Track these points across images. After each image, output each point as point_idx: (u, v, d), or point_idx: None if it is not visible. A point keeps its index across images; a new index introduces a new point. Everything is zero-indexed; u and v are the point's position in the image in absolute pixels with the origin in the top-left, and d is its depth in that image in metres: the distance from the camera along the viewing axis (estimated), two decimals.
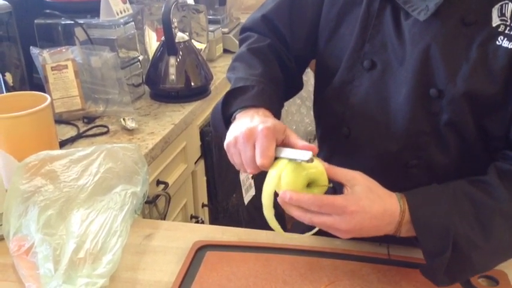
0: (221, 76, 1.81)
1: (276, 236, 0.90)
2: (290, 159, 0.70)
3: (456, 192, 0.72)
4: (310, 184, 0.72)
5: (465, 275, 0.73)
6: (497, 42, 0.73)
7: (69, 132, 1.34)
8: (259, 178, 2.42)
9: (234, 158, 0.77)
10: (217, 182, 1.80)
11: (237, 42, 2.09)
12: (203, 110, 1.64)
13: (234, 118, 0.81)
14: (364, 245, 0.86)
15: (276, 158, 0.72)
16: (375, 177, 0.85)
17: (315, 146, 0.71)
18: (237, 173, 2.07)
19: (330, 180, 0.73)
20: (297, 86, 1.01)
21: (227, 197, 1.92)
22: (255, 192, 2.16)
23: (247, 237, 0.91)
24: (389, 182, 0.84)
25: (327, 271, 0.80)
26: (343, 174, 0.72)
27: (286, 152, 0.71)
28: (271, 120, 0.74)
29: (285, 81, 0.93)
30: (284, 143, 0.74)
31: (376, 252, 0.85)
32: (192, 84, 1.56)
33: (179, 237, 0.91)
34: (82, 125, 1.38)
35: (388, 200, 0.71)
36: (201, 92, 1.59)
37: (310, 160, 0.68)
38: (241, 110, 0.80)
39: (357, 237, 0.73)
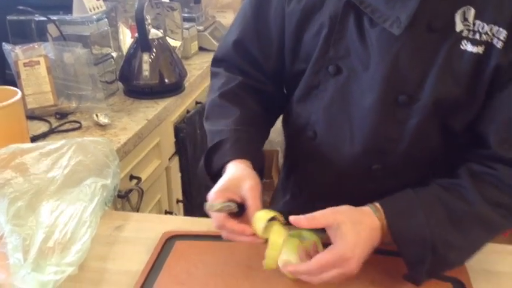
0: (196, 73, 1.83)
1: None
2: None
3: (431, 199, 0.74)
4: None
5: (442, 271, 0.77)
6: (461, 47, 0.75)
7: (41, 128, 1.35)
8: None
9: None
10: (191, 178, 1.82)
11: (213, 40, 2.13)
12: (177, 106, 1.65)
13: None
14: None
15: None
16: (341, 180, 0.88)
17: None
18: None
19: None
20: (282, 104, 0.99)
21: (202, 193, 1.94)
22: None
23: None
24: (354, 184, 0.87)
25: None
26: (324, 219, 0.73)
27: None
28: (223, 183, 0.78)
29: (266, 109, 0.94)
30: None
31: None
32: (166, 80, 1.57)
33: (149, 228, 0.93)
34: (54, 121, 1.38)
35: (369, 222, 0.73)
36: (175, 89, 1.61)
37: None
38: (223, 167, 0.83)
39: None
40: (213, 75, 0.98)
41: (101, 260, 0.85)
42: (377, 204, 0.74)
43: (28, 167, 0.90)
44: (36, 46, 1.40)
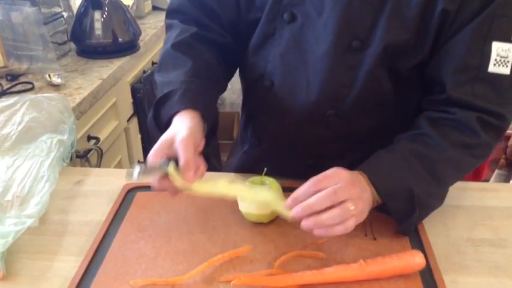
0: (150, 32, 1.80)
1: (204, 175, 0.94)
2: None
3: (404, 154, 0.77)
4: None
5: (426, 215, 0.80)
6: None
7: None
8: None
9: None
10: (151, 139, 1.81)
11: None
12: (133, 66, 1.63)
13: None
14: (287, 179, 0.92)
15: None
16: (297, 128, 0.90)
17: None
18: None
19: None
20: (239, 57, 0.97)
21: None
22: None
23: None
24: (310, 130, 0.89)
25: None
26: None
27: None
28: (164, 137, 0.75)
29: (223, 61, 0.92)
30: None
31: (297, 182, 0.90)
32: (120, 39, 1.54)
33: (110, 181, 0.93)
34: (5, 83, 1.34)
35: (355, 176, 0.73)
36: (129, 48, 1.58)
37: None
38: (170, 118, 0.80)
39: None
40: (168, 27, 0.96)
41: (63, 212, 0.85)
42: (355, 171, 0.74)
43: None
44: None
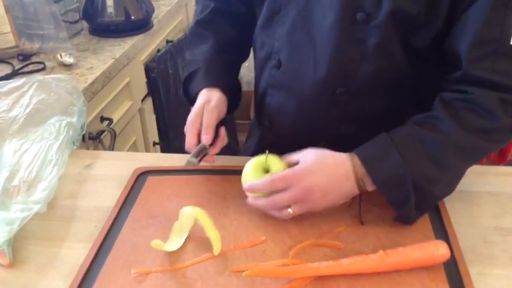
0: (164, 9, 1.76)
1: (218, 159, 0.91)
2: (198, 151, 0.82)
3: (404, 138, 0.72)
4: (269, 171, 0.75)
5: (432, 205, 0.76)
6: None
7: (3, 70, 1.28)
8: None
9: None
10: (167, 120, 1.79)
11: None
12: (146, 45, 1.59)
13: None
14: None
15: None
16: (307, 108, 0.86)
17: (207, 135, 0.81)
18: (188, 111, 2.05)
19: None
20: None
21: (179, 136, 1.90)
22: None
23: None
24: (321, 111, 0.86)
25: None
26: (297, 156, 0.74)
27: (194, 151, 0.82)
28: (194, 110, 0.84)
29: (242, 32, 0.97)
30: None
31: None
32: (132, 17, 1.50)
33: (120, 165, 0.91)
34: (17, 63, 1.32)
35: (335, 155, 0.73)
36: (142, 26, 1.54)
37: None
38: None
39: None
40: (197, 1, 1.03)
41: (72, 197, 0.83)
42: (352, 153, 0.73)
43: None
44: None
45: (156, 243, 0.69)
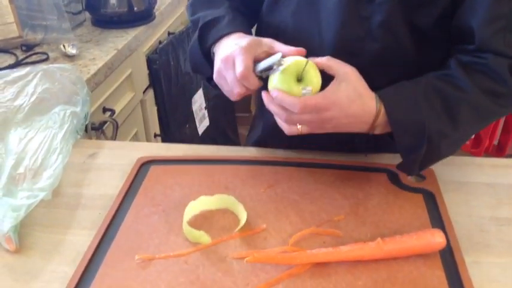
0: (166, 1, 1.76)
1: (220, 149, 0.93)
2: (266, 67, 0.71)
3: (426, 88, 0.74)
4: (301, 81, 0.71)
5: (433, 162, 0.78)
6: None
7: (7, 60, 1.29)
8: (213, 109, 2.41)
9: (224, 88, 0.78)
10: (168, 111, 1.80)
11: None
12: (148, 36, 1.60)
13: (213, 54, 0.81)
14: (304, 153, 0.90)
15: (262, 78, 0.73)
16: None
17: (301, 48, 0.73)
18: (189, 103, 2.07)
19: (326, 74, 0.73)
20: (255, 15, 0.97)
21: (180, 128, 1.92)
22: (209, 123, 2.18)
23: (192, 152, 0.93)
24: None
25: (267, 176, 0.84)
26: (337, 68, 0.72)
27: (262, 63, 0.72)
28: (245, 39, 0.75)
29: (247, 11, 0.93)
30: (268, 54, 0.74)
31: (314, 158, 0.88)
32: (135, 8, 1.51)
33: (123, 154, 0.92)
34: (21, 53, 1.33)
35: (367, 101, 0.72)
36: (144, 17, 1.55)
37: (280, 61, 0.69)
38: (217, 43, 0.81)
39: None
40: None
41: (76, 186, 0.84)
42: (379, 98, 0.73)
43: None
44: None
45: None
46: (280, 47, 0.74)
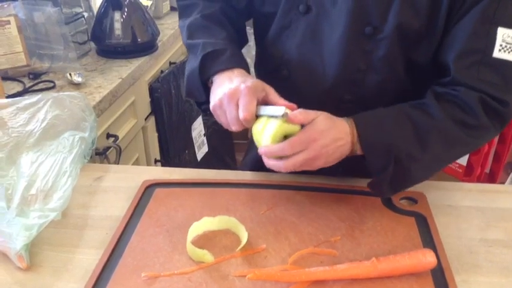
0: (168, 33, 1.83)
1: (220, 173, 0.97)
2: (268, 116, 0.76)
3: (398, 114, 0.79)
4: (287, 136, 0.77)
5: (406, 185, 0.82)
6: None
7: (15, 88, 1.34)
8: (212, 136, 2.44)
9: (220, 118, 0.82)
10: (168, 138, 1.84)
11: None
12: (151, 66, 1.66)
13: (212, 82, 0.85)
14: (301, 177, 0.94)
15: (257, 117, 0.78)
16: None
17: (293, 104, 0.77)
18: (189, 130, 2.12)
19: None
20: (244, 40, 1.04)
21: (179, 153, 1.97)
22: (208, 149, 2.22)
23: (194, 175, 0.97)
24: None
25: (266, 199, 0.88)
26: (307, 112, 0.77)
27: (265, 110, 0.77)
28: (250, 79, 0.79)
29: (239, 37, 0.97)
30: (264, 101, 0.79)
31: (310, 181, 0.93)
32: (139, 39, 1.57)
33: (129, 178, 0.96)
34: (28, 81, 1.38)
35: (340, 124, 0.78)
36: (148, 48, 1.61)
37: (285, 115, 0.74)
38: (217, 74, 0.84)
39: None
40: (185, 7, 0.97)
41: (83, 207, 0.88)
42: (350, 118, 0.79)
43: (6, 121, 0.91)
44: (5, 6, 1.38)
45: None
46: (275, 97, 0.79)
